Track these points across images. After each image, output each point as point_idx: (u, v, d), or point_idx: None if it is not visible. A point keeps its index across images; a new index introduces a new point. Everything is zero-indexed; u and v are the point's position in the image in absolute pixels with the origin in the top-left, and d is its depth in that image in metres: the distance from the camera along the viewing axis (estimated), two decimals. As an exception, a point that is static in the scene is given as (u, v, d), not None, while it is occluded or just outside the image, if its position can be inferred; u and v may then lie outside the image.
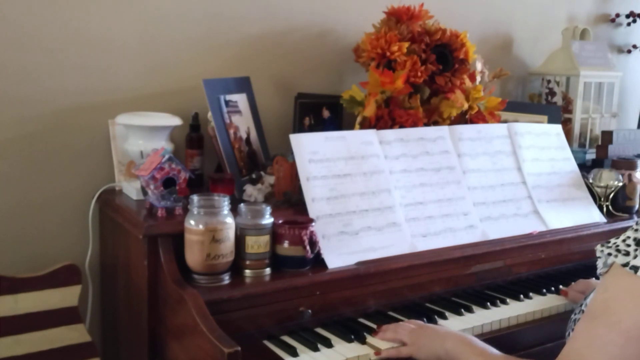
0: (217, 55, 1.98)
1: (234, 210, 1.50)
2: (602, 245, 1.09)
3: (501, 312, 1.64)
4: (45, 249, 1.80)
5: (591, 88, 2.55)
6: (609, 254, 1.06)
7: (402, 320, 1.53)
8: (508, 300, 1.71)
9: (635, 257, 1.02)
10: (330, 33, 2.18)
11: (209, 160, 1.91)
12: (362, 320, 1.55)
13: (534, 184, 1.99)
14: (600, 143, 2.38)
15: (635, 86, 3.10)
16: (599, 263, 1.09)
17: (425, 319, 1.54)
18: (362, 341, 1.45)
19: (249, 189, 1.71)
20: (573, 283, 1.77)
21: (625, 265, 1.02)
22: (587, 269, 1.97)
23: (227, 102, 1.82)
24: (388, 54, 1.92)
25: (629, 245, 1.04)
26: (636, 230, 1.05)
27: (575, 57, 2.53)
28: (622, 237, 1.07)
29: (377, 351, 1.41)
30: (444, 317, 1.58)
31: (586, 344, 1.04)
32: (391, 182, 1.74)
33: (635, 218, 2.12)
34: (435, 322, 1.55)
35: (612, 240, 1.08)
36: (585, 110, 2.55)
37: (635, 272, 1.00)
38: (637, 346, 0.99)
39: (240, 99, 1.89)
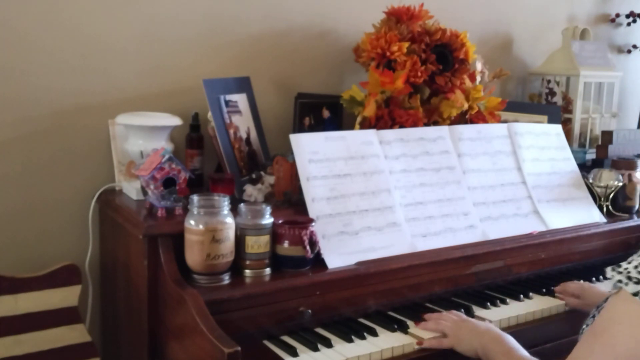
0: (217, 56, 1.98)
1: (234, 210, 1.50)
2: (614, 270, 1.10)
3: (501, 312, 1.64)
4: (45, 249, 1.80)
5: (591, 88, 2.55)
6: (620, 281, 1.07)
7: (402, 320, 1.54)
8: (508, 300, 1.71)
9: None
10: (330, 33, 2.18)
11: (209, 160, 1.91)
12: (362, 320, 1.55)
13: (534, 184, 1.99)
14: (600, 143, 2.38)
15: (635, 86, 3.10)
16: (610, 284, 1.10)
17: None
18: (363, 338, 1.46)
19: (249, 189, 1.71)
20: (567, 284, 1.76)
21: (635, 294, 1.04)
22: (587, 269, 1.97)
23: (227, 102, 1.82)
24: (388, 54, 1.92)
25: None
26: None
27: (575, 57, 2.53)
28: (635, 262, 1.08)
29: (420, 341, 1.45)
30: (444, 317, 1.58)
31: (583, 356, 1.08)
32: (391, 182, 1.74)
33: (635, 218, 2.12)
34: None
35: (624, 265, 1.09)
36: (585, 110, 2.55)
37: None
38: None
39: (240, 99, 1.89)
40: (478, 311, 1.63)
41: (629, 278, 1.06)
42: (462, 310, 1.61)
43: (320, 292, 1.51)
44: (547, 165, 2.06)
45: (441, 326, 1.48)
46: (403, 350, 1.44)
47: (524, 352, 1.33)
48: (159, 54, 1.89)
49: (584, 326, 1.26)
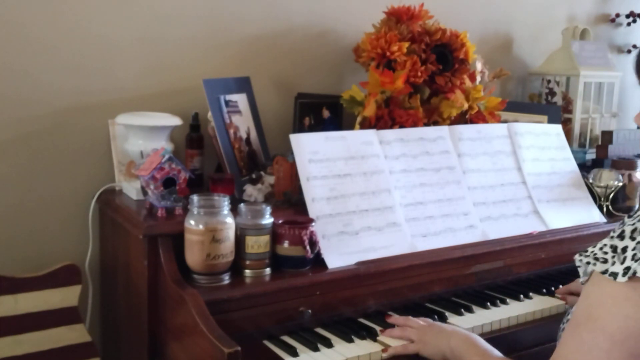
0: (217, 55, 1.98)
1: (234, 210, 1.50)
2: (581, 255, 1.11)
3: (501, 312, 1.64)
4: (45, 249, 1.80)
5: (591, 88, 2.55)
6: (588, 263, 1.08)
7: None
8: (508, 300, 1.71)
9: (614, 263, 1.04)
10: (330, 33, 2.18)
11: (209, 160, 1.91)
12: (362, 320, 1.55)
13: (534, 184, 1.99)
14: (600, 143, 2.38)
15: (636, 86, 3.09)
16: (580, 272, 1.11)
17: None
18: (363, 338, 1.45)
19: (249, 189, 1.71)
20: (570, 285, 1.76)
21: (604, 272, 1.04)
22: (587, 269, 1.97)
23: (227, 102, 1.82)
24: (388, 54, 1.92)
25: (606, 253, 1.06)
26: (612, 237, 1.07)
27: (575, 57, 2.53)
28: (599, 245, 1.09)
29: (385, 348, 1.42)
30: (444, 318, 1.58)
31: (572, 350, 1.06)
32: (391, 182, 1.74)
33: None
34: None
35: (590, 249, 1.11)
36: (585, 110, 2.55)
37: (615, 278, 1.02)
38: (622, 350, 1.01)
39: (240, 99, 1.89)
40: (478, 311, 1.63)
41: (596, 259, 1.07)
42: (462, 310, 1.61)
43: (320, 292, 1.51)
44: (547, 165, 2.06)
45: (406, 332, 1.44)
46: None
47: (498, 353, 1.31)
48: (159, 54, 1.89)
49: (562, 325, 1.25)
